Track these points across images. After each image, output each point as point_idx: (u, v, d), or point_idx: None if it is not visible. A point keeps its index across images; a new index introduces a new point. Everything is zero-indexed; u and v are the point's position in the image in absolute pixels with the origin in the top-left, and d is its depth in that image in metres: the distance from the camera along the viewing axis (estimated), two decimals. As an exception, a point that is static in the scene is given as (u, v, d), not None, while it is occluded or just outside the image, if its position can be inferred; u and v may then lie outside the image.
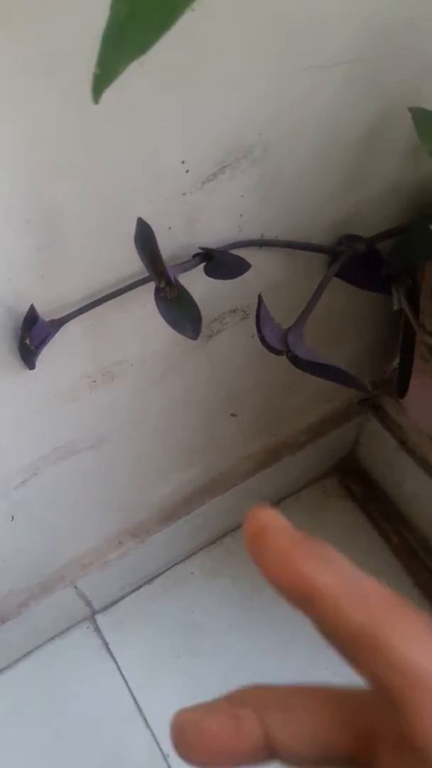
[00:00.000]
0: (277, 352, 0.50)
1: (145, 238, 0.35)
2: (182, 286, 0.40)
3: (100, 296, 0.46)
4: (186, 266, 0.44)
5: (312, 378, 0.50)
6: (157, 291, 0.40)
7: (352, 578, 0.17)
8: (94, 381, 0.54)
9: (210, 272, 0.47)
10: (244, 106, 0.42)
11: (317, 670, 0.69)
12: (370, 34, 0.43)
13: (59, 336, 0.46)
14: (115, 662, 0.86)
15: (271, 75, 0.41)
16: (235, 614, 0.89)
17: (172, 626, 0.89)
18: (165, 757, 0.80)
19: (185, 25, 0.36)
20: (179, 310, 0.40)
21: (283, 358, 0.50)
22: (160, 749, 0.80)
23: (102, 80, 0.22)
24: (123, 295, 0.46)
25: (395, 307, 0.65)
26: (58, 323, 0.45)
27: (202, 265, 0.47)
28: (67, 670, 0.87)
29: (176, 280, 0.39)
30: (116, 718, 0.83)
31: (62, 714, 0.84)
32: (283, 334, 0.51)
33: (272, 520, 0.18)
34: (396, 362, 0.81)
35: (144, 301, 0.48)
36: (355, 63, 0.44)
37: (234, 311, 0.58)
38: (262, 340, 0.50)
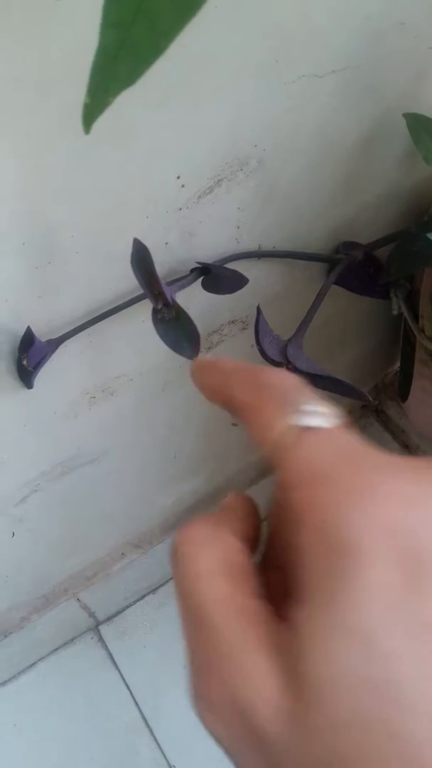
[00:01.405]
0: (277, 365, 0.50)
1: (141, 259, 0.35)
2: (180, 306, 0.39)
3: (98, 314, 0.45)
4: (183, 283, 0.43)
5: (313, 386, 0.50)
6: (155, 312, 0.39)
7: (257, 392, 0.23)
8: (93, 397, 0.53)
9: (207, 287, 0.46)
10: (238, 118, 0.41)
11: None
12: (362, 39, 0.42)
13: (57, 354, 0.46)
14: (120, 673, 0.86)
15: (264, 86, 0.40)
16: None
17: (177, 636, 0.88)
18: (172, 768, 0.79)
19: (177, 38, 0.36)
20: (177, 330, 0.39)
21: (284, 369, 0.50)
22: (166, 759, 0.80)
23: (92, 110, 0.21)
24: (121, 311, 0.46)
25: (395, 312, 0.65)
26: (56, 343, 0.44)
27: (200, 279, 0.46)
28: (71, 682, 0.86)
29: (173, 300, 0.38)
30: (121, 728, 0.83)
31: (67, 725, 0.83)
32: (282, 345, 0.51)
33: (212, 361, 0.27)
34: (397, 366, 0.80)
35: (142, 316, 0.47)
36: (349, 70, 0.44)
37: (233, 322, 0.57)
38: (262, 352, 0.49)
